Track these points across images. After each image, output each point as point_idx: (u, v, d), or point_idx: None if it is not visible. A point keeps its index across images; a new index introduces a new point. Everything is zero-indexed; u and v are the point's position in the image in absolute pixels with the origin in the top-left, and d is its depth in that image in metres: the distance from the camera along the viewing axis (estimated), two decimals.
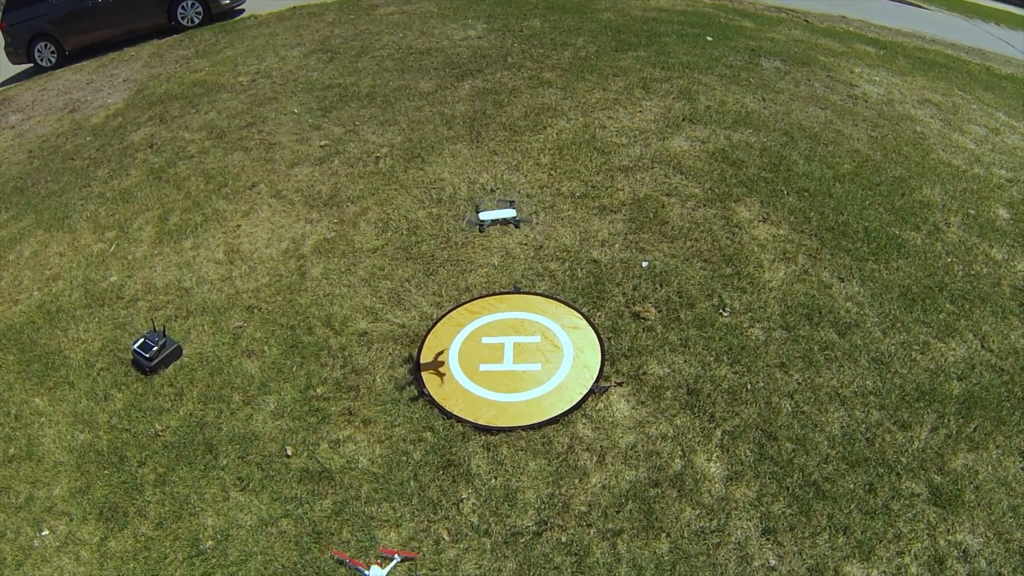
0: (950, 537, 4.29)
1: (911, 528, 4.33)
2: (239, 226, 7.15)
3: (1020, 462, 4.67)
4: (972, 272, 6.11)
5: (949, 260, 6.22)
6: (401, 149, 8.13)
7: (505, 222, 4.89)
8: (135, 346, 5.72)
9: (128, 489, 4.92)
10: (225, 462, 5.00)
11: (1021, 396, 5.08)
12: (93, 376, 5.76)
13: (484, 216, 4.90)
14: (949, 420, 4.91)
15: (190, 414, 5.36)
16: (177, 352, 5.80)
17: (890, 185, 7.15)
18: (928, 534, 4.30)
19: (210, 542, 4.58)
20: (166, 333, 5.84)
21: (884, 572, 4.15)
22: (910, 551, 4.23)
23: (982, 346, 5.47)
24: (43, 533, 4.74)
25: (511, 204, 4.95)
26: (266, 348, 5.78)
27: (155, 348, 5.66)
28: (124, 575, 4.48)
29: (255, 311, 6.13)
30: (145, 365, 5.65)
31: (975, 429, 4.86)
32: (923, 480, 4.57)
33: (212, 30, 14.13)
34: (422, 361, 5.48)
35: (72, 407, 5.53)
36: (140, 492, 4.90)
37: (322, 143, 8.43)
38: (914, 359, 5.34)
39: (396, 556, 4.36)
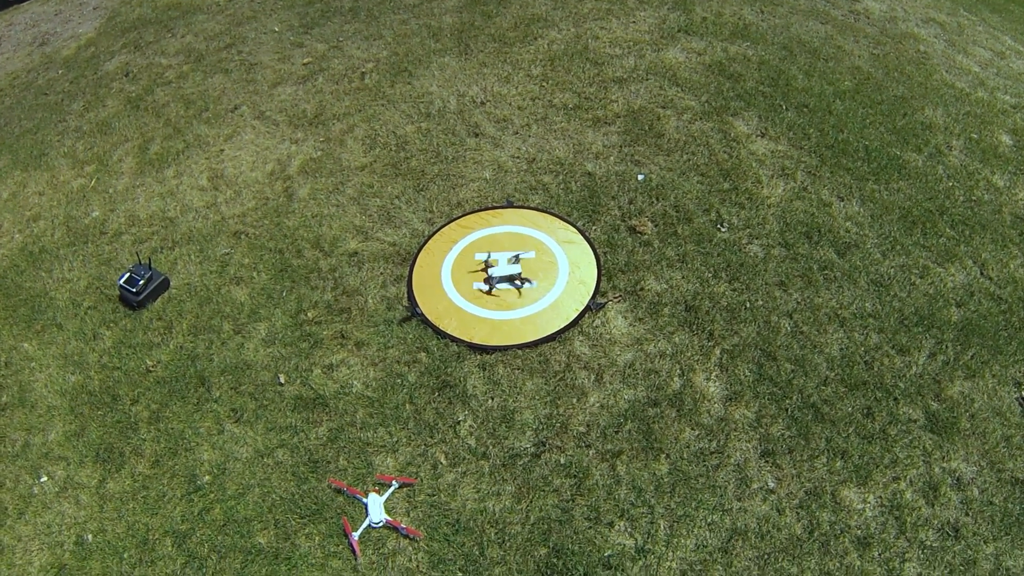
0: (945, 464, 4.34)
1: (907, 454, 4.37)
2: (222, 151, 6.90)
3: (1015, 392, 4.69)
4: (973, 198, 5.95)
5: (950, 184, 6.06)
6: (387, 64, 7.79)
7: (511, 279, 5.30)
8: (121, 281, 5.55)
9: (123, 429, 4.87)
10: (218, 394, 4.94)
11: (1018, 326, 5.05)
12: (81, 316, 5.64)
13: (493, 272, 5.28)
14: (947, 347, 4.89)
15: (180, 347, 5.26)
16: (164, 284, 5.65)
17: (891, 104, 6.89)
18: (924, 461, 4.35)
19: (207, 477, 4.56)
20: (152, 266, 5.67)
21: (880, 497, 4.20)
22: (906, 477, 4.28)
23: (981, 273, 5.38)
24: (41, 479, 4.72)
25: (516, 260, 5.32)
26: (255, 274, 5.65)
27: (141, 282, 5.50)
28: (124, 516, 4.47)
29: (242, 236, 5.98)
30: (132, 300, 5.51)
31: (972, 357, 4.83)
32: (920, 406, 4.59)
33: None
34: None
35: (61, 349, 5.43)
36: (135, 431, 4.85)
37: (305, 61, 8.08)
38: (913, 283, 5.26)
39: (394, 482, 4.32)
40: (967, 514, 4.14)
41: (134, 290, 5.49)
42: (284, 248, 5.80)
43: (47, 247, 6.28)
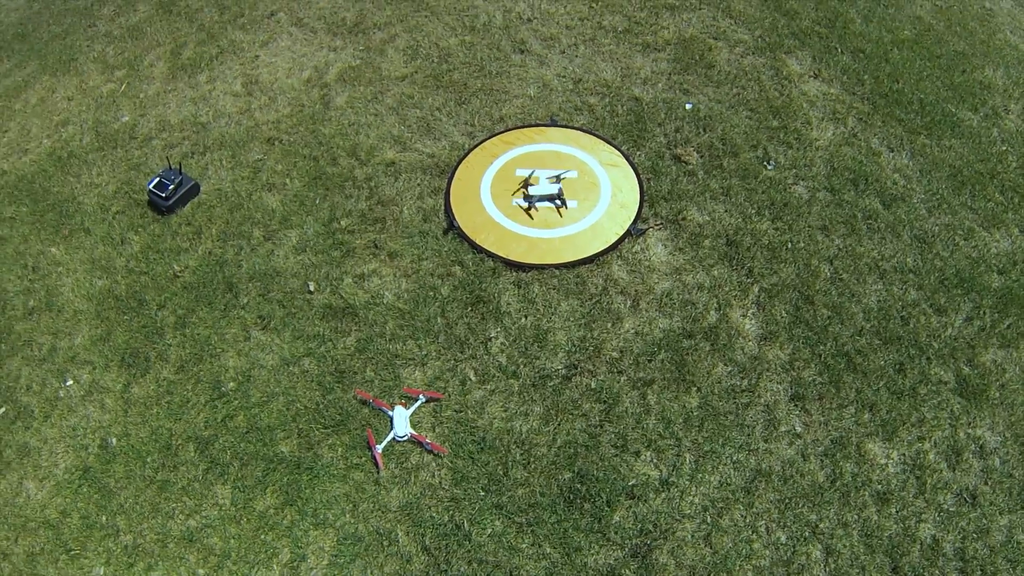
0: (970, 430, 4.31)
1: (935, 415, 4.34)
2: (257, 56, 6.70)
3: None
4: None
5: (1004, 148, 5.79)
6: None
7: (551, 199, 5.21)
8: (150, 186, 5.45)
9: (148, 333, 4.84)
10: (246, 301, 4.87)
11: None
12: (109, 220, 5.56)
13: (533, 191, 5.19)
14: (984, 313, 4.77)
15: (209, 253, 5.18)
16: (195, 189, 5.54)
17: (951, 59, 6.54)
18: (950, 424, 4.32)
19: (232, 384, 4.52)
20: (182, 171, 5.55)
21: (904, 455, 4.20)
22: (931, 438, 4.26)
23: None
24: (67, 383, 4.71)
25: (558, 179, 5.26)
26: (288, 181, 5.53)
27: (171, 187, 5.39)
28: (148, 420, 4.46)
29: (276, 143, 5.84)
30: (162, 205, 5.41)
31: (1008, 327, 4.73)
32: (952, 369, 4.52)
33: None
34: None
35: (89, 254, 5.37)
36: (160, 336, 4.81)
37: None
38: (956, 243, 5.13)
39: (421, 396, 4.25)
40: (986, 483, 4.11)
41: (163, 195, 5.38)
42: (319, 155, 5.66)
43: (75, 152, 6.17)
